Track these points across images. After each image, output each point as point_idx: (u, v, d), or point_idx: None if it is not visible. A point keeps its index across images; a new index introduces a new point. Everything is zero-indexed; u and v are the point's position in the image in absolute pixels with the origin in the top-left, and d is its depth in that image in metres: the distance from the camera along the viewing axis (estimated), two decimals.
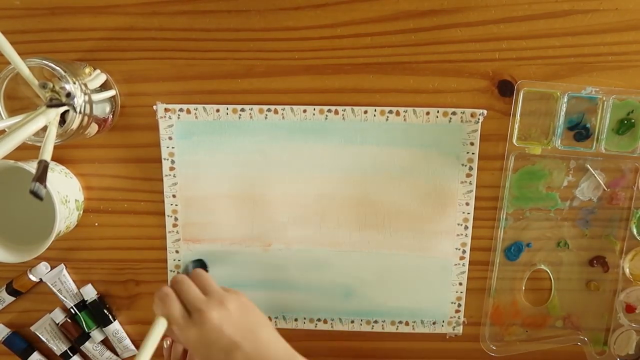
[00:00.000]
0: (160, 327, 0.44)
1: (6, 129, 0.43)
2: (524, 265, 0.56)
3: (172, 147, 0.54)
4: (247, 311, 0.46)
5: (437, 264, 0.56)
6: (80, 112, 0.46)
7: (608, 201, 0.54)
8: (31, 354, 0.59)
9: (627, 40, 0.51)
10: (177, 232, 0.56)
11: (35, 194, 0.39)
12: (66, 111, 0.46)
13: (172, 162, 0.55)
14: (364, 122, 0.53)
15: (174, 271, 0.57)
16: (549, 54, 0.51)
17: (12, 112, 0.48)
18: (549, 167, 0.54)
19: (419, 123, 0.53)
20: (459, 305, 0.57)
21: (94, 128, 0.50)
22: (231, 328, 0.43)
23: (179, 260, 0.57)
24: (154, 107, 0.53)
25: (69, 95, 0.45)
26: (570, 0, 0.50)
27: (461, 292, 0.57)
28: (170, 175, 0.55)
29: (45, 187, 0.39)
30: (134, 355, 0.42)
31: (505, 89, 0.52)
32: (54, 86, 0.45)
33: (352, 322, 0.58)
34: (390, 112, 0.53)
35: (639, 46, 0.51)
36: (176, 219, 0.56)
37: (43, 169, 0.40)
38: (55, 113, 0.45)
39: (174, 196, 0.55)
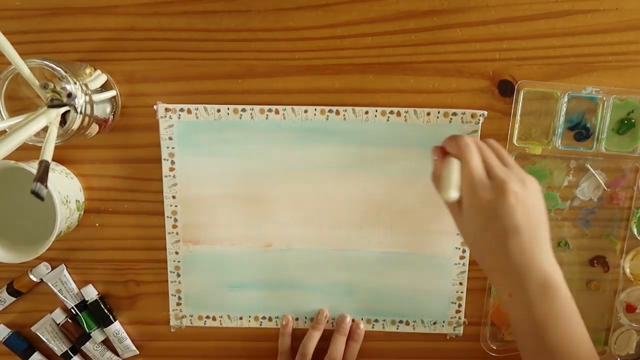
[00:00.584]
0: (457, 165, 0.43)
1: (7, 130, 0.43)
2: None
3: (172, 148, 0.54)
4: (539, 202, 0.43)
5: (438, 263, 0.56)
6: (81, 113, 0.46)
7: (608, 201, 0.54)
8: (32, 354, 0.59)
9: (627, 40, 0.51)
10: (177, 234, 0.56)
11: (36, 195, 0.39)
12: (67, 111, 0.46)
13: (172, 162, 0.55)
14: (365, 123, 0.53)
15: (174, 272, 0.57)
16: (549, 54, 0.51)
17: (13, 112, 0.48)
18: (549, 167, 0.54)
19: (419, 124, 0.53)
20: (460, 305, 0.57)
21: (94, 128, 0.50)
22: (522, 212, 0.41)
23: (178, 262, 0.57)
24: (155, 106, 0.53)
25: (69, 95, 0.45)
26: (570, 0, 0.50)
27: (462, 292, 0.57)
28: (170, 175, 0.55)
29: (46, 187, 0.39)
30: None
31: (506, 89, 0.52)
32: (54, 86, 0.45)
33: (353, 321, 0.58)
34: (392, 112, 0.53)
35: (639, 46, 0.51)
36: (176, 220, 0.56)
37: (44, 169, 0.40)
38: (56, 113, 0.45)
39: (173, 197, 0.55)
